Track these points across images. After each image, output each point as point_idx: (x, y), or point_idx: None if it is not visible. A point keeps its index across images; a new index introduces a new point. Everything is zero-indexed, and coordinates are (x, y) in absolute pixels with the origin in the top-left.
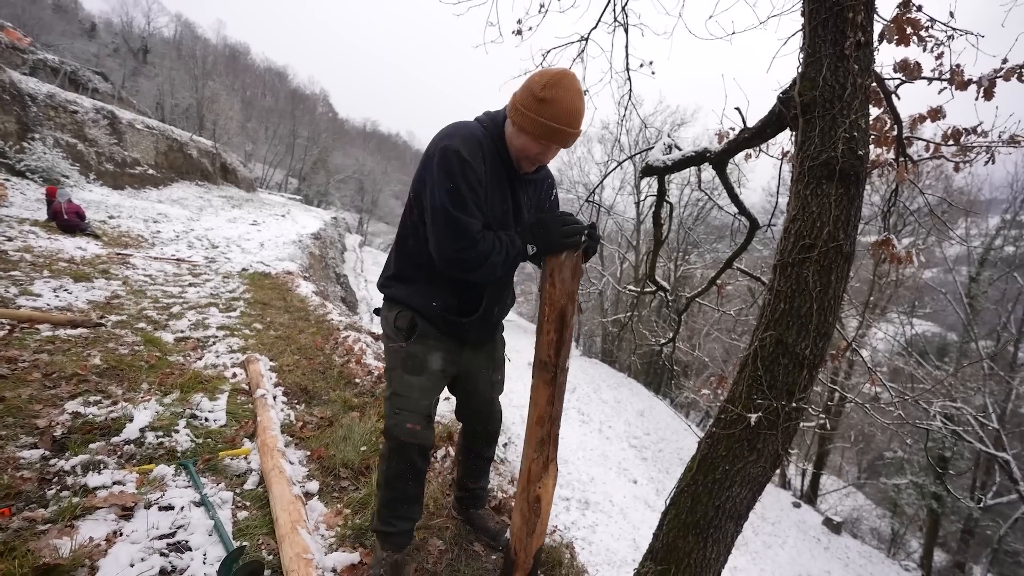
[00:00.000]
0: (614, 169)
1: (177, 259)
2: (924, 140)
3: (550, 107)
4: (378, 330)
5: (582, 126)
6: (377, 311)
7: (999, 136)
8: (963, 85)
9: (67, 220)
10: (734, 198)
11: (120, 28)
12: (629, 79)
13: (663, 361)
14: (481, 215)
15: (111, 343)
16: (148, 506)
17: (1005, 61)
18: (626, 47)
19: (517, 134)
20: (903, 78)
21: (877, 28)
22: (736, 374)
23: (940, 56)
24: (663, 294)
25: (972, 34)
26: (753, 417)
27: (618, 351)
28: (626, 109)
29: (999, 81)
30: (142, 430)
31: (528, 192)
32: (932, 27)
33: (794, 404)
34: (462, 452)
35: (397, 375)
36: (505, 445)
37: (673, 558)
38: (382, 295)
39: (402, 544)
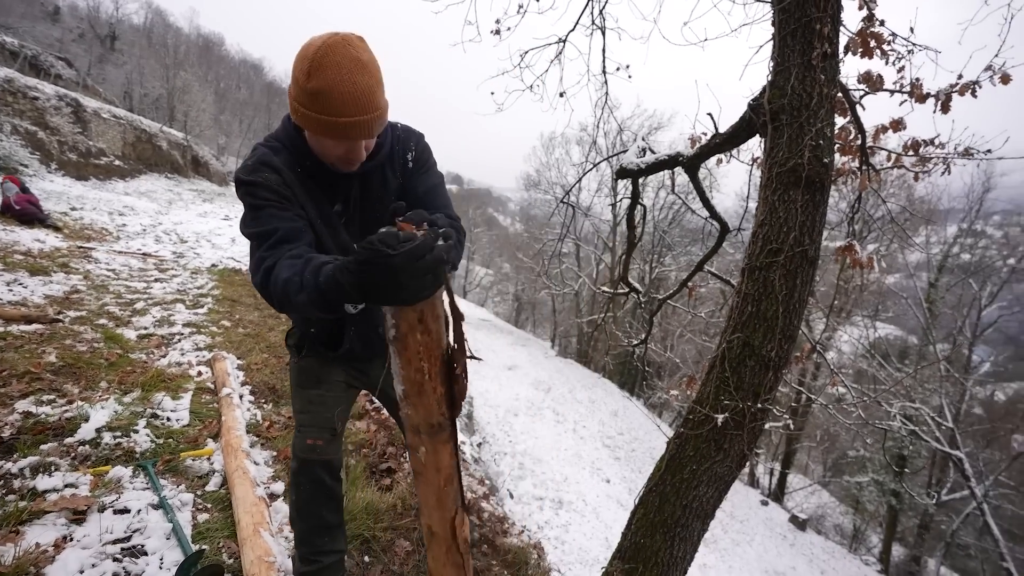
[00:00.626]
0: (589, 171)
1: (143, 253)
2: (886, 150)
3: (326, 99)
4: None
5: (379, 100)
6: None
7: (955, 148)
8: (922, 98)
9: (22, 210)
10: (705, 202)
11: (86, 13)
12: (606, 82)
13: (636, 362)
14: (290, 216)
15: (68, 340)
16: (102, 509)
17: (960, 77)
18: (603, 50)
19: (312, 138)
20: (866, 89)
21: (843, 40)
22: (704, 375)
23: (901, 70)
24: (636, 295)
25: (931, 50)
26: (720, 418)
27: (593, 351)
28: (603, 111)
29: (955, 96)
30: (99, 430)
31: (369, 183)
32: (894, 41)
33: (760, 405)
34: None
35: (295, 392)
36: (480, 445)
37: (641, 557)
38: None
39: None
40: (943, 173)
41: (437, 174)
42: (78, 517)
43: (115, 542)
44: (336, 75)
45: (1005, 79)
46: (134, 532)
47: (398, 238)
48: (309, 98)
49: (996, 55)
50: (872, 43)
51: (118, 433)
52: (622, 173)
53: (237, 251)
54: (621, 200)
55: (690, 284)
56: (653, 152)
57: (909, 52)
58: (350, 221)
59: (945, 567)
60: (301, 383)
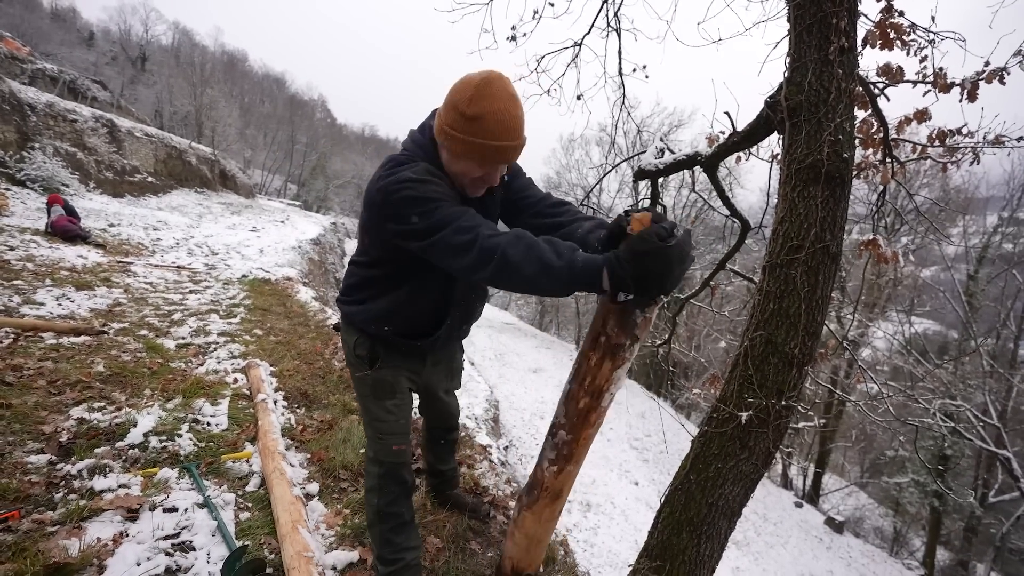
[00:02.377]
0: (608, 172)
1: (177, 266)
2: (909, 142)
3: (483, 124)
4: None
5: (523, 131)
6: (336, 327)
7: (983, 137)
8: (946, 88)
9: (64, 228)
10: (725, 200)
11: (118, 36)
12: (623, 84)
13: (661, 362)
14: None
15: (114, 350)
16: (153, 508)
17: (987, 64)
18: (619, 52)
19: (454, 160)
20: (886, 81)
21: (861, 33)
22: (728, 373)
23: (924, 60)
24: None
25: (954, 38)
26: (744, 415)
27: None
28: (620, 111)
29: (982, 83)
30: (146, 435)
31: (487, 204)
32: (914, 32)
33: (784, 402)
34: (427, 441)
35: (371, 402)
36: (507, 448)
37: (668, 555)
38: (339, 310)
39: None
40: (972, 163)
41: (526, 175)
42: (132, 515)
43: (166, 538)
44: (495, 103)
45: None
46: (182, 529)
47: (666, 231)
48: (467, 122)
49: None
50: (891, 34)
51: (163, 437)
52: (640, 175)
53: (266, 262)
54: (642, 200)
55: (713, 283)
56: (672, 152)
57: (930, 42)
58: None
59: (996, 572)
60: (377, 395)
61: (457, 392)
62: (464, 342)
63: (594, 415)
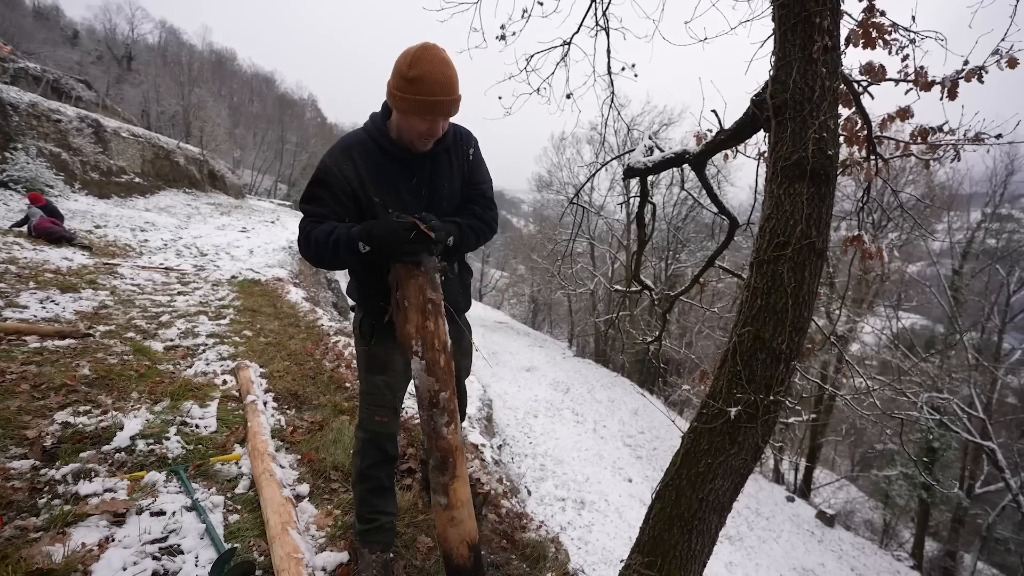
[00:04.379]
0: (598, 171)
1: (165, 268)
2: (893, 139)
3: (422, 83)
4: None
5: (457, 88)
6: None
7: (964, 134)
8: (927, 86)
9: (47, 229)
10: (713, 198)
11: (103, 35)
12: (611, 83)
13: (652, 359)
14: (336, 209)
15: (100, 353)
16: (140, 512)
17: (967, 62)
18: (608, 51)
19: (402, 117)
20: (869, 80)
21: (844, 32)
22: (717, 369)
23: (905, 58)
24: (650, 293)
25: (934, 37)
26: (733, 411)
27: (611, 351)
28: (610, 110)
29: (962, 82)
30: (133, 438)
31: (438, 164)
32: (896, 31)
33: (772, 397)
34: None
35: (364, 374)
36: (500, 447)
37: (659, 551)
38: None
39: (387, 542)
40: (952, 160)
41: (487, 171)
42: (118, 519)
43: (153, 542)
44: (430, 66)
45: (1012, 63)
46: (170, 533)
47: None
48: (408, 84)
49: (1003, 39)
50: (874, 34)
51: (151, 440)
52: (629, 172)
53: (256, 263)
54: (633, 198)
55: (702, 280)
56: (660, 150)
57: (912, 41)
58: (419, 191)
59: (982, 562)
60: (370, 368)
61: (467, 381)
62: None
63: (451, 364)
